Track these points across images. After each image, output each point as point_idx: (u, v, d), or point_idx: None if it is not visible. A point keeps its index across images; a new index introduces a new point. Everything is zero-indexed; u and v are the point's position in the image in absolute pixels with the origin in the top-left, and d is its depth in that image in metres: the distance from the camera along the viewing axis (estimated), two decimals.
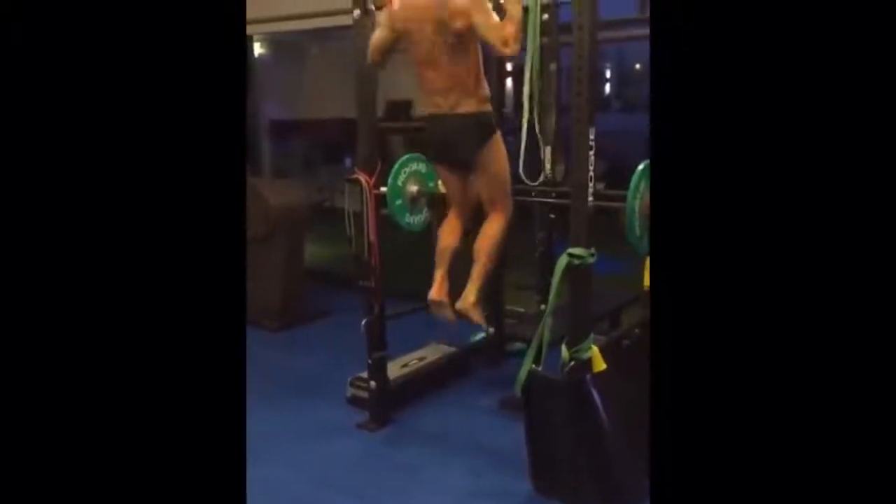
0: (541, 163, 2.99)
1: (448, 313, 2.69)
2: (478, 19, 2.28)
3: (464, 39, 2.34)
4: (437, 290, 2.67)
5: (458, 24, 2.29)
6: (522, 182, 2.83)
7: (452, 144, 2.53)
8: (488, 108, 2.51)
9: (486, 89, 2.49)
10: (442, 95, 2.46)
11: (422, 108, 2.59)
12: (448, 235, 2.73)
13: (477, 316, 2.68)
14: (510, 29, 2.25)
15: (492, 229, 2.62)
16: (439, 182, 3.13)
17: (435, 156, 2.69)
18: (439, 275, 2.69)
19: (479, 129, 2.48)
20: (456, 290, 2.67)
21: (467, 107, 2.45)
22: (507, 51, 2.28)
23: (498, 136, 2.53)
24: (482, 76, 2.47)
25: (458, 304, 2.64)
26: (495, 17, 2.31)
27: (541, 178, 2.93)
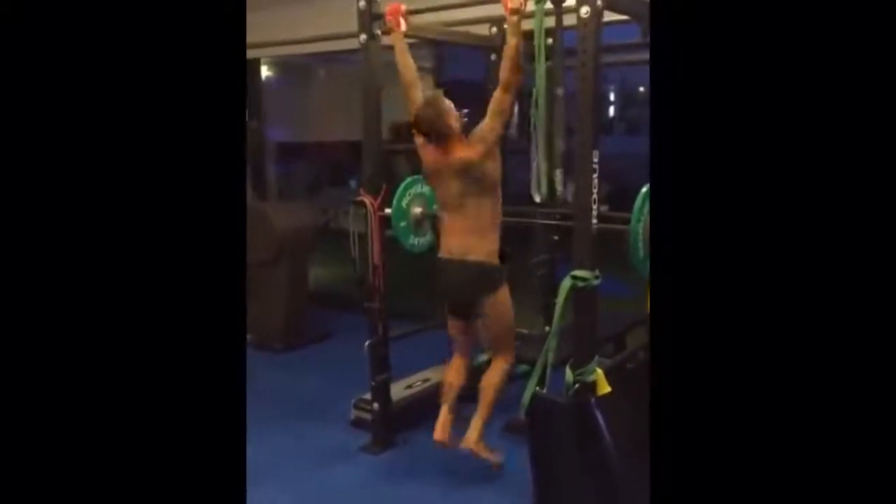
0: (550, 184, 3.01)
1: (452, 446, 2.74)
2: (486, 123, 2.46)
3: (485, 185, 2.50)
4: (440, 431, 2.73)
5: (476, 173, 2.46)
6: (526, 203, 2.85)
7: (460, 290, 2.64)
8: (496, 260, 2.59)
9: (496, 242, 2.59)
10: (457, 240, 2.58)
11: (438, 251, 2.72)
12: (453, 375, 2.82)
13: (484, 452, 2.72)
14: (506, 68, 2.38)
15: (495, 374, 2.74)
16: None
17: (442, 299, 2.78)
18: (443, 413, 2.76)
19: (485, 278, 2.57)
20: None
21: (476, 255, 2.55)
22: (511, 92, 2.44)
23: (504, 287, 2.62)
24: (497, 227, 2.59)
25: (464, 443, 2.70)
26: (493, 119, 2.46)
27: (531, 198, 2.96)
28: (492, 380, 2.73)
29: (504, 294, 2.63)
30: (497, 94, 2.44)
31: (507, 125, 2.55)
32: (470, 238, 2.56)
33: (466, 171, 2.47)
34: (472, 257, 2.55)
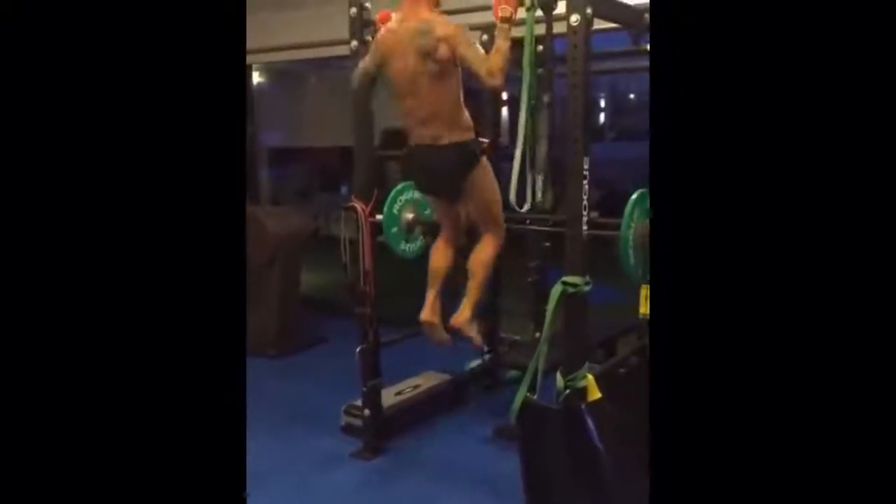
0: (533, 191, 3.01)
1: (440, 333, 2.72)
2: (462, 50, 2.34)
3: (445, 68, 2.39)
4: (427, 312, 2.70)
5: (441, 52, 2.34)
6: (516, 210, 2.85)
7: (438, 175, 2.57)
8: (471, 135, 2.53)
9: (467, 118, 2.52)
10: (425, 126, 2.50)
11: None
12: (439, 258, 2.76)
13: (472, 332, 2.71)
14: (496, 59, 2.30)
15: (484, 250, 2.67)
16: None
17: (422, 186, 2.72)
18: (430, 296, 2.72)
19: (463, 158, 2.50)
20: (446, 314, 2.70)
21: (450, 137, 2.48)
22: (493, 81, 2.31)
23: (484, 161, 2.55)
24: (462, 105, 2.50)
25: (453, 320, 2.67)
26: (480, 50, 2.37)
27: (527, 206, 2.94)
28: (480, 257, 2.66)
29: (485, 167, 2.56)
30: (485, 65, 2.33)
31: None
32: (436, 124, 2.48)
33: (423, 37, 2.35)
34: (444, 141, 2.48)
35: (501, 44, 2.34)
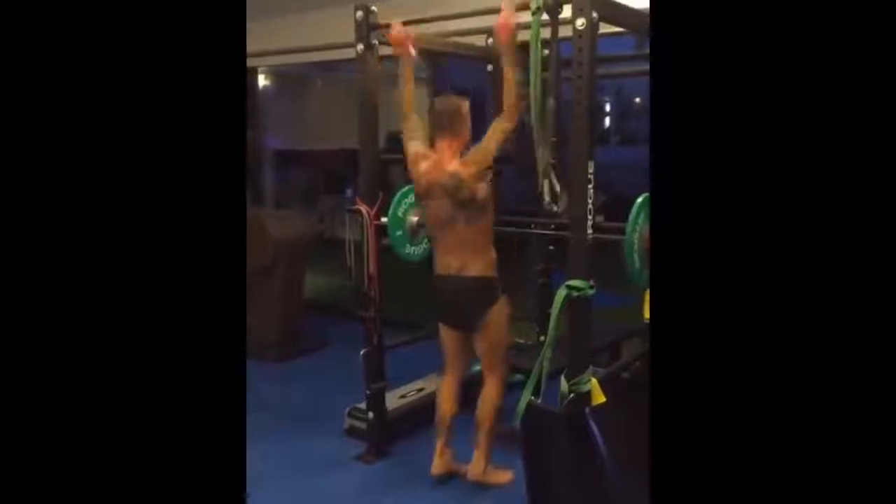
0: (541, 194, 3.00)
1: (456, 474, 2.69)
2: (484, 156, 2.45)
3: (476, 205, 2.48)
4: (438, 465, 2.71)
5: (479, 194, 2.45)
6: (519, 213, 2.85)
7: (457, 306, 2.60)
8: (493, 273, 2.58)
9: (492, 255, 2.58)
10: (453, 256, 2.55)
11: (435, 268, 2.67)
12: (448, 401, 2.76)
13: (492, 478, 2.68)
14: (508, 100, 2.39)
15: (490, 394, 2.68)
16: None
17: (440, 315, 2.72)
18: (440, 445, 2.73)
19: (484, 293, 2.56)
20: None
21: (474, 270, 2.53)
22: (514, 119, 2.43)
23: (502, 300, 2.60)
24: (490, 242, 2.58)
25: (470, 475, 2.68)
26: (493, 132, 2.44)
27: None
28: (488, 405, 2.68)
29: (502, 306, 2.61)
30: (498, 123, 2.44)
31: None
32: (465, 254, 2.54)
33: (457, 189, 2.46)
34: (470, 273, 2.54)
35: (508, 72, 2.39)
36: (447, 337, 2.73)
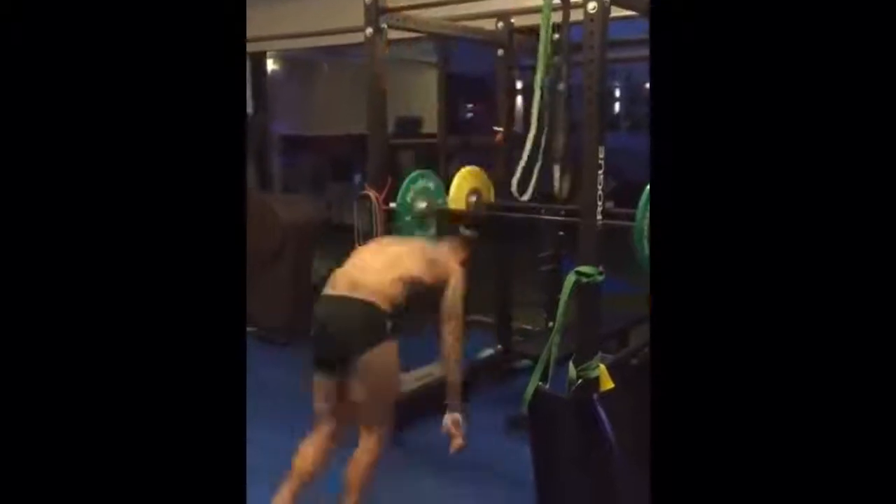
0: (551, 180, 3.00)
1: None
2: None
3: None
4: None
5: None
6: (522, 198, 2.83)
7: (333, 335, 2.09)
8: (387, 304, 2.08)
9: (396, 287, 2.13)
10: (348, 275, 2.17)
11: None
12: (309, 458, 2.21)
13: None
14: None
15: (364, 458, 2.17)
16: (448, 197, 3.15)
17: (315, 350, 2.17)
18: (285, 494, 2.18)
19: (369, 323, 2.06)
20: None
21: (364, 293, 2.06)
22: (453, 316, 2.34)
23: (392, 345, 2.11)
24: (401, 279, 2.16)
25: None
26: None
27: (527, 195, 2.92)
28: (360, 467, 2.17)
29: (390, 351, 2.09)
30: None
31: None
32: (363, 273, 2.14)
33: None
34: (359, 294, 2.06)
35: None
36: (318, 384, 2.19)
